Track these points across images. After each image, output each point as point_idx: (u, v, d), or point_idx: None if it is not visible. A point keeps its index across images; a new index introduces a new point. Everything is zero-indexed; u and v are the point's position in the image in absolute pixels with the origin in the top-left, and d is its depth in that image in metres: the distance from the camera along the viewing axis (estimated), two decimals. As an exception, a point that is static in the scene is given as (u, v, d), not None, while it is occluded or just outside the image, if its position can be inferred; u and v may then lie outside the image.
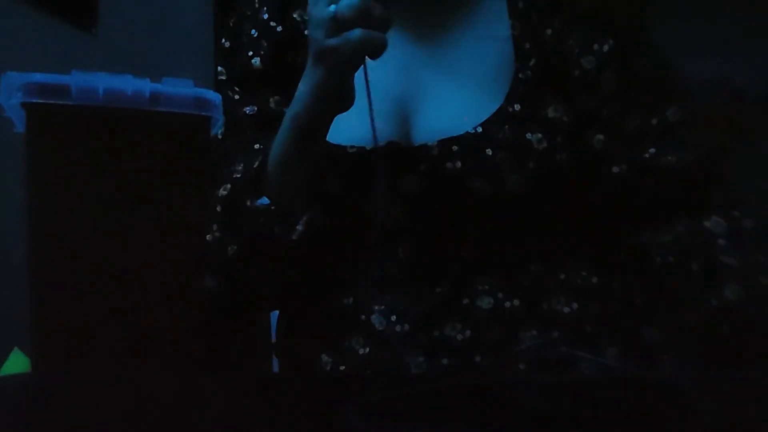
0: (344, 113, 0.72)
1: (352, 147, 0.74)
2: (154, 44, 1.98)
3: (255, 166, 0.77)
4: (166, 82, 0.46)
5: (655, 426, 0.41)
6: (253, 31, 0.83)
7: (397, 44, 0.78)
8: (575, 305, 0.72)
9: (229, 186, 0.78)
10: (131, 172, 0.46)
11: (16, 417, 0.49)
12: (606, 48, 0.74)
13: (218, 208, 0.78)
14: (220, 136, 0.84)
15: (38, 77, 0.44)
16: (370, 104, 0.68)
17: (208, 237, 0.78)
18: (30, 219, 0.45)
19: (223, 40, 0.85)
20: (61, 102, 0.44)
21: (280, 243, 0.74)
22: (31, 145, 0.45)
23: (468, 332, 0.69)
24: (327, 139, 0.76)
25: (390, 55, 0.78)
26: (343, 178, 0.74)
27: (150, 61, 1.92)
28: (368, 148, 0.73)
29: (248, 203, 0.75)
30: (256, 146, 0.78)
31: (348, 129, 0.74)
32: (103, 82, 0.45)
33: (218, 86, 0.87)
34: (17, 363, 1.13)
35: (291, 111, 0.70)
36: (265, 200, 0.74)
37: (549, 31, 0.75)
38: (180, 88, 0.47)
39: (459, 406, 0.48)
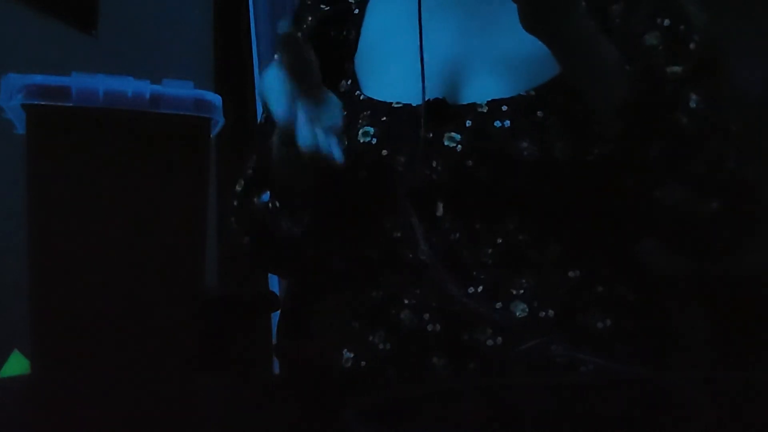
0: (394, 74, 0.72)
1: (397, 103, 0.73)
2: (155, 46, 1.99)
3: (260, 164, 0.79)
4: (166, 83, 0.46)
5: (655, 426, 0.41)
6: (310, 17, 0.85)
7: (453, 7, 0.77)
8: (609, 321, 0.70)
9: (242, 182, 0.80)
10: (131, 173, 0.46)
11: (16, 418, 0.49)
12: (667, 23, 0.72)
13: (234, 203, 0.80)
14: (263, 120, 0.86)
15: (39, 79, 0.44)
16: (422, 63, 0.67)
17: (228, 226, 0.81)
18: (30, 220, 0.45)
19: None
20: (61, 103, 0.44)
21: (289, 236, 0.74)
22: (32, 147, 0.45)
23: (499, 339, 0.67)
24: (372, 96, 0.76)
25: (446, 17, 0.77)
26: (383, 130, 0.73)
27: (150, 63, 1.93)
28: (414, 105, 0.72)
29: (255, 200, 0.77)
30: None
31: (395, 88, 0.74)
32: (104, 84, 0.45)
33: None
34: (17, 364, 1.13)
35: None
36: (265, 197, 0.75)
37: (615, 6, 0.73)
38: (180, 89, 0.47)
39: (459, 407, 0.48)
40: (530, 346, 0.65)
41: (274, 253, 0.80)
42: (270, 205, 0.76)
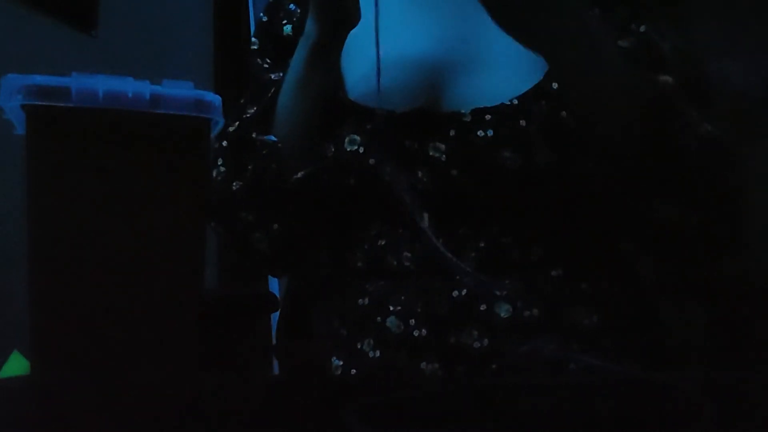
0: (374, 75, 0.71)
1: (380, 109, 0.73)
2: (155, 46, 1.99)
3: (266, 98, 0.77)
4: (166, 84, 0.46)
5: (655, 427, 0.41)
6: (291, 5, 0.84)
7: (436, 15, 0.77)
8: (595, 318, 0.70)
9: (237, 123, 0.78)
10: (131, 173, 0.46)
11: (15, 420, 0.49)
12: (642, 29, 0.72)
13: (224, 143, 0.78)
14: (242, 101, 0.84)
15: (38, 79, 0.44)
16: (378, 63, 0.67)
17: (212, 173, 0.77)
18: (30, 221, 0.45)
19: (261, 14, 0.87)
20: (61, 104, 0.44)
21: (277, 185, 0.73)
22: (31, 147, 0.45)
23: (486, 341, 0.68)
24: (355, 100, 0.75)
25: (428, 25, 0.77)
26: (369, 139, 0.73)
27: (150, 63, 1.93)
28: (398, 112, 0.72)
29: (254, 136, 0.75)
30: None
31: (376, 90, 0.73)
32: (104, 84, 0.45)
33: (250, 55, 0.88)
34: (17, 365, 1.13)
35: (304, 34, 0.71)
36: (271, 137, 0.74)
37: (591, 13, 0.73)
38: (180, 90, 0.47)
39: (458, 408, 0.48)
40: (523, 351, 0.65)
41: (263, 201, 0.75)
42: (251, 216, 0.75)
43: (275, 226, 0.76)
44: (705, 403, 0.42)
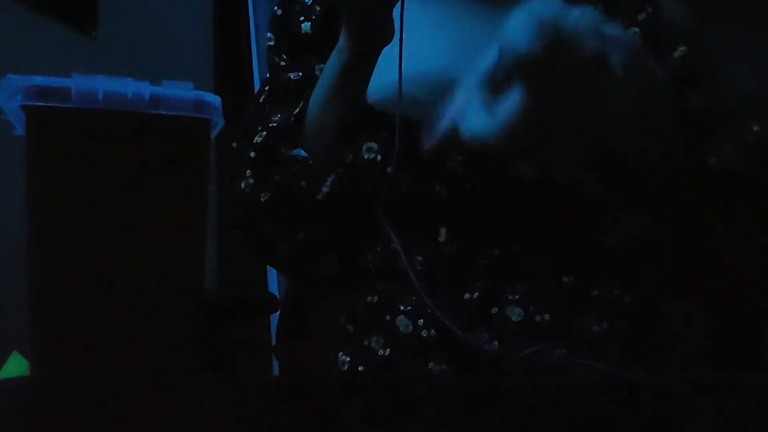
0: (392, 80, 0.71)
1: (394, 116, 0.72)
2: (154, 47, 1.99)
3: (294, 112, 0.76)
4: (165, 84, 0.46)
5: (655, 428, 0.41)
6: (317, 6, 0.83)
7: (454, 21, 0.77)
8: (605, 324, 0.70)
9: (264, 133, 0.77)
10: (131, 174, 0.46)
11: (15, 420, 0.49)
12: (642, 17, 0.72)
13: (252, 154, 0.77)
14: (261, 100, 0.83)
15: (38, 80, 0.44)
16: (400, 75, 0.67)
17: (241, 184, 0.77)
18: (30, 222, 0.45)
19: (276, 8, 0.85)
20: (61, 105, 0.45)
21: (305, 199, 0.72)
22: (31, 148, 0.45)
23: (495, 343, 0.67)
24: (372, 99, 0.74)
25: (445, 31, 0.77)
26: (386, 147, 0.72)
27: (150, 64, 1.93)
28: (412, 119, 0.71)
29: (283, 150, 0.74)
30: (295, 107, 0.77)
31: (393, 94, 0.73)
32: (103, 85, 0.45)
33: (267, 52, 0.87)
34: (16, 366, 1.13)
35: (337, 47, 0.70)
36: (300, 152, 0.73)
37: (599, 5, 0.73)
38: (180, 90, 0.47)
39: (459, 408, 0.48)
40: (528, 353, 0.65)
41: (290, 213, 0.75)
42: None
43: (300, 235, 0.76)
44: (705, 405, 0.42)
